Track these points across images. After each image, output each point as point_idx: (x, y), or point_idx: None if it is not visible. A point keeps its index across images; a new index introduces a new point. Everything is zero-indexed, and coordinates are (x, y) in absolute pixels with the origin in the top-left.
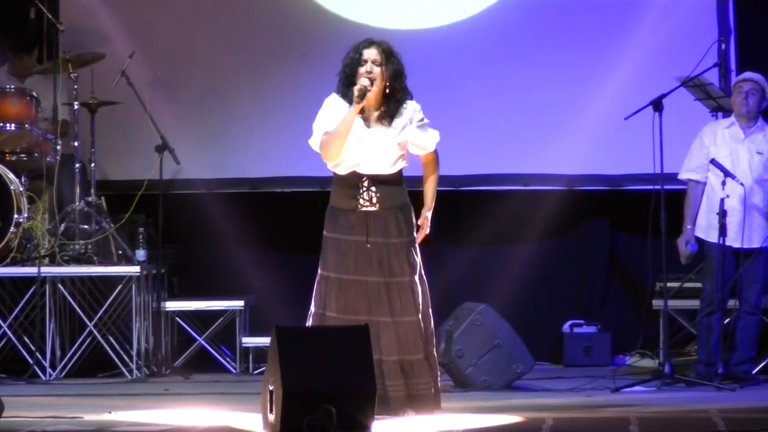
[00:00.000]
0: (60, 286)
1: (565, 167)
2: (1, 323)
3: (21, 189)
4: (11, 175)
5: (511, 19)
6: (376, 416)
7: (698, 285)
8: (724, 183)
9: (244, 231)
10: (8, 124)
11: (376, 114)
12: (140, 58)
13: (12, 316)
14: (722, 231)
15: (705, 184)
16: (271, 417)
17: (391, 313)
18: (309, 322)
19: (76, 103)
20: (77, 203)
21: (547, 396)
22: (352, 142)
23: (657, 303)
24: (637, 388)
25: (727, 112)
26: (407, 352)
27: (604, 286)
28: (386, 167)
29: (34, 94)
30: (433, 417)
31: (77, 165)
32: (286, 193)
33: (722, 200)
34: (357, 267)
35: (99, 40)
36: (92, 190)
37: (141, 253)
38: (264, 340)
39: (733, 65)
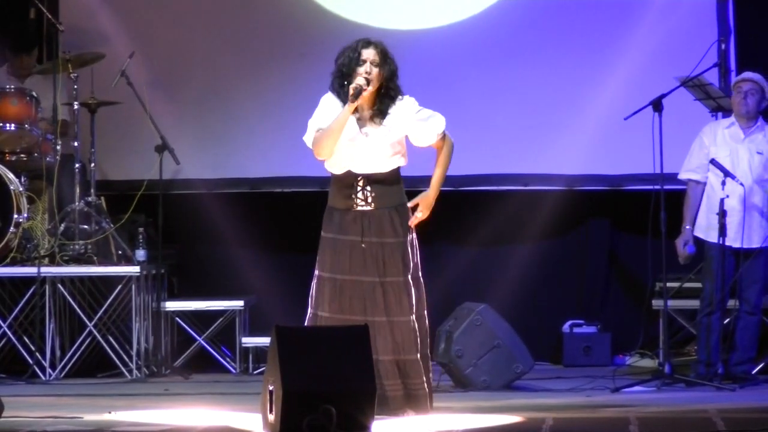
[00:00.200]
0: (60, 286)
1: (565, 167)
2: (1, 323)
3: (21, 189)
4: (11, 175)
5: (511, 20)
6: (375, 416)
7: (698, 285)
8: (724, 183)
9: (244, 231)
10: (8, 124)
11: (368, 113)
12: (140, 58)
13: (12, 316)
14: (722, 231)
15: (705, 184)
16: (271, 417)
17: (386, 313)
18: (306, 323)
19: (75, 103)
20: (77, 203)
21: (547, 396)
22: (345, 142)
23: (657, 303)
24: (637, 388)
25: (727, 112)
26: (402, 352)
27: (604, 286)
28: (380, 166)
29: (34, 94)
30: (431, 417)
31: (77, 165)
32: (286, 193)
33: (722, 200)
34: (352, 267)
35: (99, 40)
36: (92, 190)
37: (141, 253)
38: (264, 340)
39: (733, 65)
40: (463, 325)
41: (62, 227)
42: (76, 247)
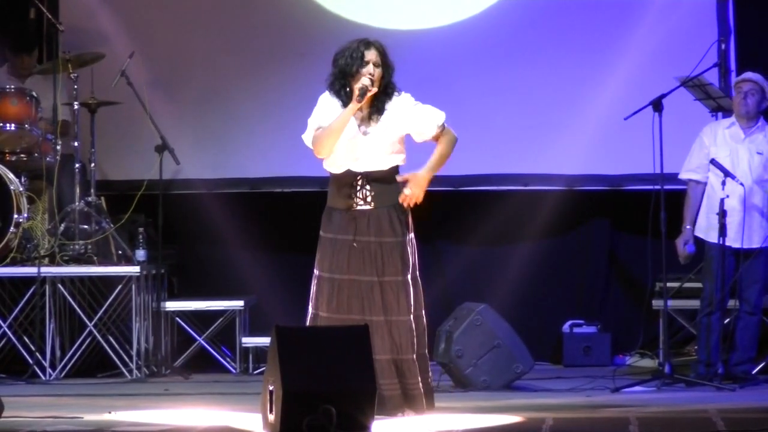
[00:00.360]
0: (60, 286)
1: (565, 167)
2: (1, 323)
3: (21, 189)
4: (11, 175)
5: (511, 20)
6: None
7: (698, 285)
8: (724, 183)
9: (244, 231)
10: (8, 124)
11: (367, 111)
12: (140, 58)
13: (12, 316)
14: (722, 231)
15: (705, 184)
16: (271, 417)
17: (384, 313)
18: (307, 323)
19: (76, 103)
20: (77, 203)
21: (547, 396)
22: (345, 140)
23: (657, 303)
24: (637, 388)
25: (727, 112)
26: (399, 351)
27: (604, 286)
28: (380, 164)
29: (34, 94)
30: (430, 417)
31: (77, 165)
32: (286, 193)
33: (722, 200)
34: (350, 266)
35: (99, 40)
36: (92, 190)
37: (141, 253)
38: (264, 340)
39: (733, 65)
40: (463, 325)
41: (62, 227)
42: (76, 247)
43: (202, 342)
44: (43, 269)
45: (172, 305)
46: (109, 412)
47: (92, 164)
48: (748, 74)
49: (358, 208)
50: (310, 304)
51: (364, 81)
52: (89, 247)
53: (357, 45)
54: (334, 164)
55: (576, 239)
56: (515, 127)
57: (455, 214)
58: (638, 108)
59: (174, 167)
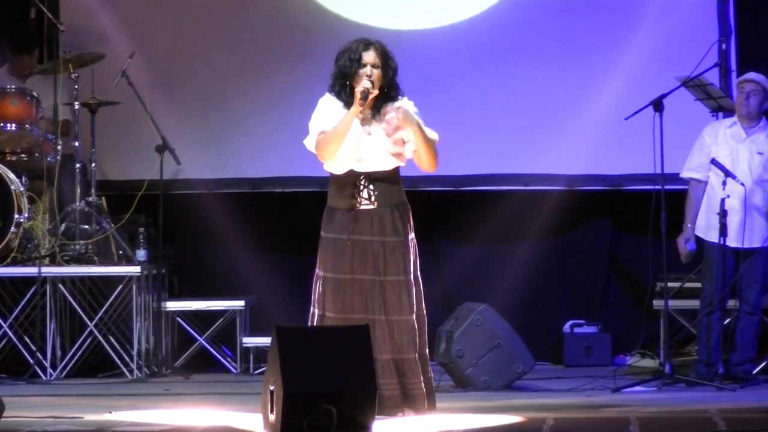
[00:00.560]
0: (60, 286)
1: (565, 167)
2: (2, 323)
3: (21, 189)
4: (12, 175)
5: (511, 20)
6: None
7: (698, 285)
8: (724, 183)
9: (244, 231)
10: (8, 124)
11: (370, 112)
12: (140, 58)
13: (12, 316)
14: (722, 231)
15: (706, 183)
16: (272, 417)
17: (385, 312)
18: (309, 324)
19: (76, 103)
20: (78, 203)
21: (548, 396)
22: (348, 142)
23: (657, 303)
24: (637, 388)
25: (727, 112)
26: (400, 351)
27: (605, 286)
28: (383, 164)
29: (35, 94)
30: (429, 417)
31: (78, 165)
32: (286, 193)
33: (722, 200)
34: (353, 266)
35: (99, 40)
36: (93, 190)
37: (141, 253)
38: (264, 340)
39: (733, 65)
40: (464, 325)
41: (63, 227)
42: (77, 247)
43: (203, 342)
44: (44, 269)
45: (172, 305)
46: (110, 412)
47: (93, 164)
48: (751, 75)
49: (362, 207)
50: (314, 304)
51: (365, 84)
52: (90, 247)
53: (356, 46)
54: (336, 165)
55: (576, 239)
56: (515, 127)
57: (455, 214)
58: (639, 108)
59: (174, 167)
